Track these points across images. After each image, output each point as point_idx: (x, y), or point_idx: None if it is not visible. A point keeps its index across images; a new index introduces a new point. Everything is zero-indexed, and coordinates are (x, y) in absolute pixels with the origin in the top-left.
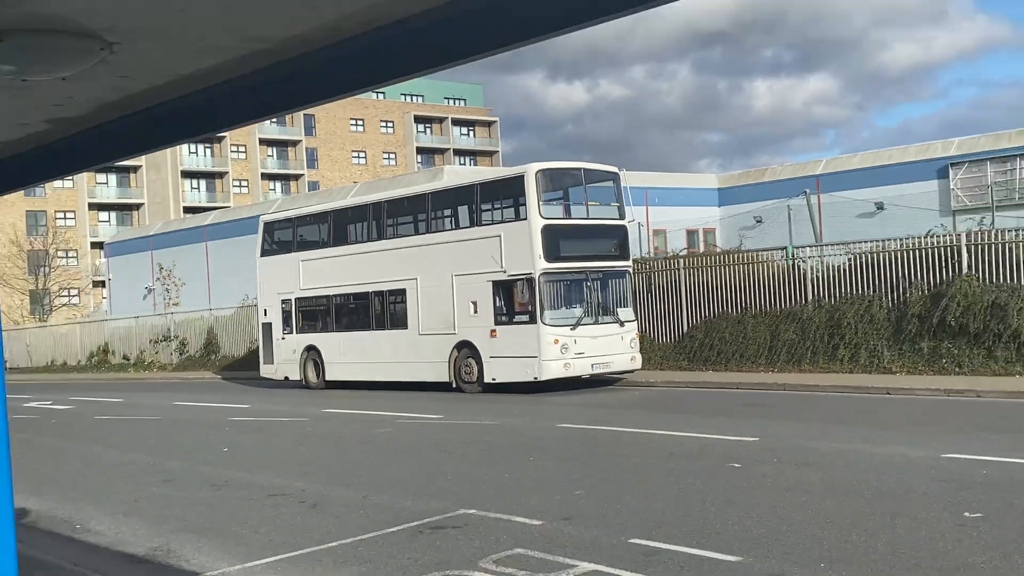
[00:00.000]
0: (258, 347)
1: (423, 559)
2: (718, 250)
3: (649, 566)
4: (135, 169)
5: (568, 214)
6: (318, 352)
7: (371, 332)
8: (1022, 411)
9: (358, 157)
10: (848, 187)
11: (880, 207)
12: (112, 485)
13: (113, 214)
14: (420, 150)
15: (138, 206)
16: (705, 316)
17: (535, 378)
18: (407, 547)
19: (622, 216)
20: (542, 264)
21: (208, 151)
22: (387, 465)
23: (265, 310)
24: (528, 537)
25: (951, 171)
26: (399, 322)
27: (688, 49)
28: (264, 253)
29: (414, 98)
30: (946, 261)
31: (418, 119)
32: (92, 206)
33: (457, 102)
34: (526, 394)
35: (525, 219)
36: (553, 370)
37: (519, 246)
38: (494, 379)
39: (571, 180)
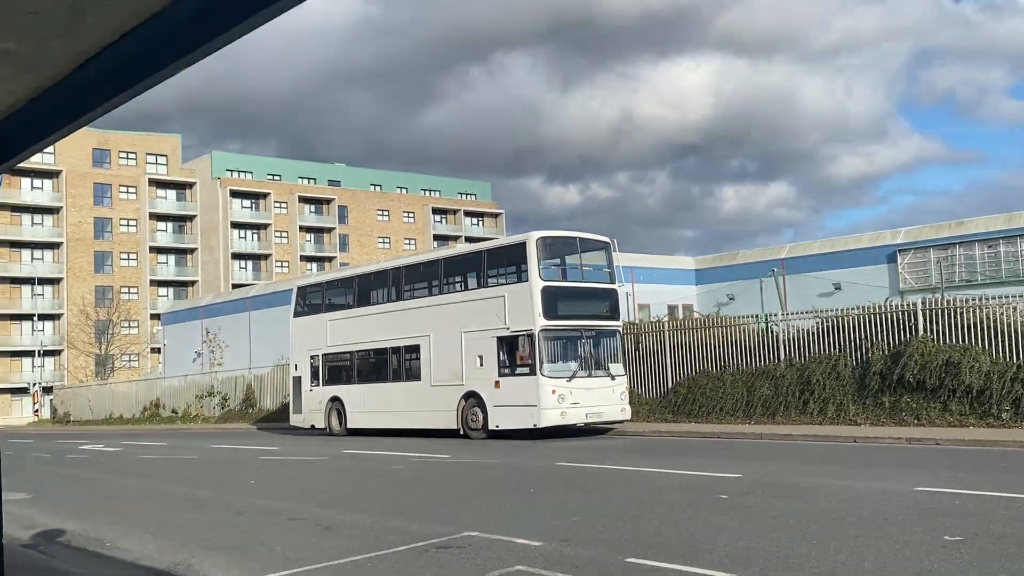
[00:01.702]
0: (289, 400)
1: (428, 574)
2: (698, 316)
3: None
4: (192, 251)
5: (565, 277)
6: (341, 402)
7: (388, 384)
8: (981, 456)
9: (383, 242)
10: (809, 269)
11: (837, 287)
12: (146, 510)
13: (171, 290)
14: (436, 237)
15: (193, 283)
16: (688, 374)
17: (535, 425)
18: (413, 564)
19: (613, 280)
20: (542, 322)
21: (255, 236)
22: (398, 495)
23: (296, 365)
24: (529, 556)
25: (899, 256)
26: (413, 375)
27: (666, 159)
28: (296, 314)
29: (432, 193)
30: (904, 325)
31: (435, 211)
32: (153, 282)
33: (469, 196)
34: (526, 440)
35: (527, 281)
36: (551, 418)
37: (521, 305)
38: (498, 426)
39: (568, 247)
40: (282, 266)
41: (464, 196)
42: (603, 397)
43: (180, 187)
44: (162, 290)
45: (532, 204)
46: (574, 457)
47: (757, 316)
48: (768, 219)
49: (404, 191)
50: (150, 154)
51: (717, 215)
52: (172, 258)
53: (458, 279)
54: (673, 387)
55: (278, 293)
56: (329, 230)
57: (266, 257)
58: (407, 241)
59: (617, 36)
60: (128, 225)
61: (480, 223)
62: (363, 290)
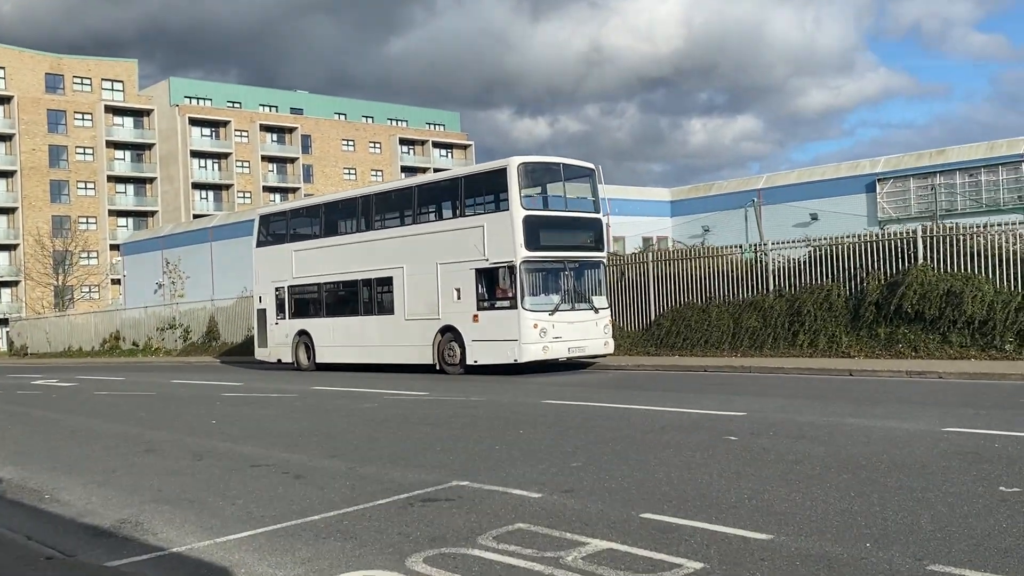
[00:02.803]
0: (254, 333)
1: (415, 534)
2: (682, 246)
3: (670, 544)
4: (151, 180)
5: (547, 206)
6: (309, 336)
7: (359, 318)
8: (992, 390)
9: (349, 173)
10: (786, 200)
11: (815, 217)
12: (93, 455)
13: (130, 220)
14: (404, 168)
15: (152, 213)
16: (672, 306)
17: (515, 360)
18: (396, 521)
19: (598, 210)
20: (523, 253)
21: (216, 166)
22: (374, 438)
23: (260, 298)
24: (529, 511)
25: (878, 185)
26: (386, 308)
27: (635, 91)
28: (260, 244)
29: (399, 123)
30: (902, 253)
31: (402, 141)
32: (112, 212)
33: (437, 127)
34: (506, 375)
35: (507, 210)
36: (532, 352)
37: (501, 236)
38: (476, 361)
39: (550, 174)
40: (244, 197)
41: (432, 127)
42: (586, 331)
43: (137, 114)
44: (121, 220)
45: (500, 137)
46: (562, 394)
47: (741, 246)
48: (735, 153)
49: (370, 120)
50: (105, 80)
51: (685, 148)
52: (131, 187)
53: (433, 208)
54: (656, 320)
55: (241, 223)
56: (292, 160)
57: (227, 187)
58: (373, 172)
59: None
60: (84, 153)
61: (449, 154)
62: (331, 219)
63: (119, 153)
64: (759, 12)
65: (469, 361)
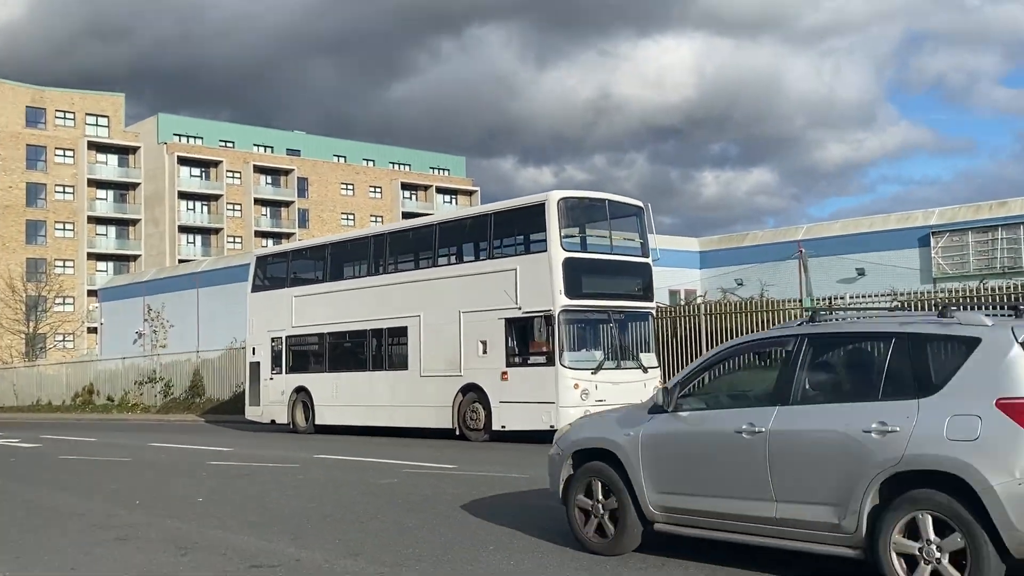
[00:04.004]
0: (244, 389)
1: None
2: (737, 298)
3: None
4: (134, 222)
5: (589, 248)
6: (308, 394)
7: (367, 373)
8: None
9: (347, 219)
10: (828, 253)
11: (861, 272)
12: (49, 543)
13: (111, 264)
14: (406, 215)
15: (135, 257)
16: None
17: (551, 426)
18: None
19: (646, 254)
20: (563, 300)
21: (205, 208)
22: (404, 527)
23: (253, 349)
24: None
25: (932, 239)
26: (398, 363)
27: (644, 141)
28: (255, 288)
29: (402, 167)
30: None
31: (405, 186)
32: (91, 255)
33: (441, 172)
34: (540, 444)
35: (545, 252)
36: (572, 417)
37: (537, 281)
38: (504, 426)
39: (594, 212)
40: (234, 241)
41: (436, 171)
42: (633, 394)
43: (123, 151)
44: (101, 264)
45: (504, 185)
46: None
47: (800, 300)
48: (749, 206)
49: (370, 164)
50: (90, 115)
51: (696, 201)
52: (112, 229)
53: (456, 249)
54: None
55: (231, 268)
56: (287, 204)
57: (217, 231)
58: (373, 218)
59: (597, 11)
60: (64, 192)
61: (454, 200)
62: (337, 261)
63: (101, 192)
64: (775, 61)
65: (495, 425)
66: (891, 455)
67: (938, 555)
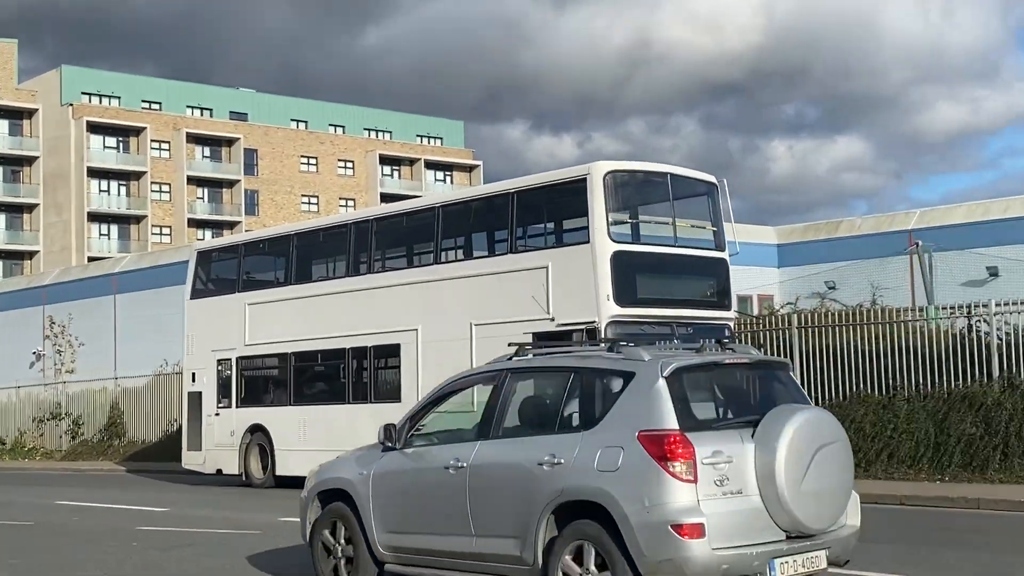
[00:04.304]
0: (180, 427)
1: None
2: (839, 306)
3: None
4: (30, 209)
5: (643, 238)
6: (266, 434)
7: (346, 406)
8: None
9: (309, 203)
10: (949, 246)
11: (994, 273)
12: None
13: None
14: (385, 197)
15: (31, 254)
16: (831, 396)
17: None
18: None
19: (721, 246)
20: (612, 309)
21: (123, 189)
22: None
23: (193, 375)
24: None
25: None
26: (389, 393)
27: (695, 102)
28: (196, 294)
29: (380, 134)
30: None
31: (384, 159)
32: None
33: (433, 141)
34: None
35: (586, 242)
36: None
37: (576, 282)
38: None
39: (652, 190)
40: (161, 233)
41: (425, 140)
42: None
43: (15, 115)
44: None
45: (510, 160)
46: None
47: (923, 309)
48: (833, 186)
49: (339, 131)
50: None
51: (763, 180)
52: (1, 217)
53: (467, 240)
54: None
55: (159, 268)
56: (230, 183)
57: (138, 220)
58: (343, 202)
59: None
60: None
61: (448, 178)
62: (306, 256)
63: None
64: None
65: None
66: (556, 487)
67: None
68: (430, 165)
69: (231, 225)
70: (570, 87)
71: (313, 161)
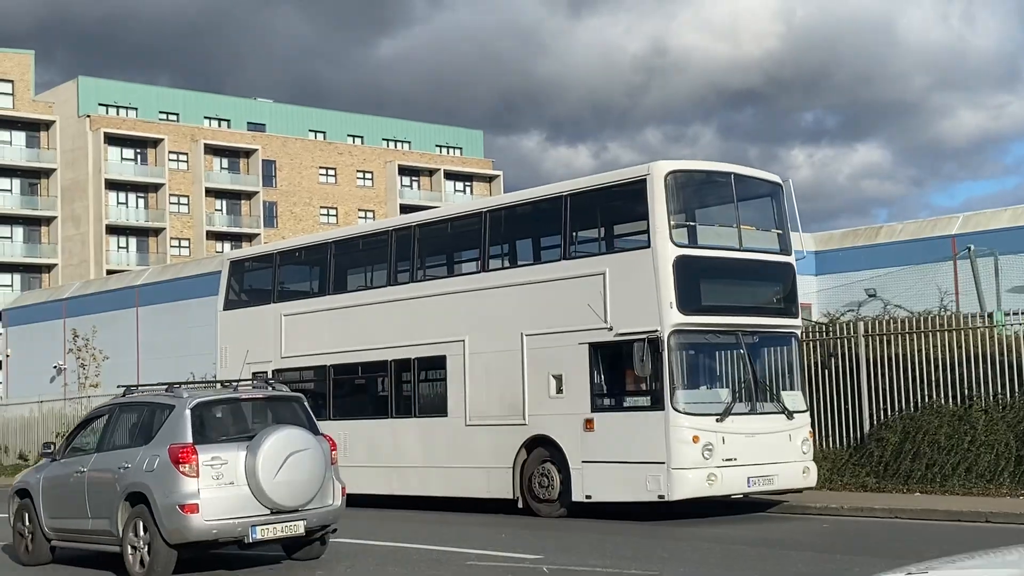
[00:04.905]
0: None
1: None
2: (907, 313)
3: None
4: (48, 221)
5: (711, 242)
6: None
7: (388, 421)
8: None
9: (327, 214)
10: (996, 251)
11: None
12: None
13: (17, 276)
14: (405, 208)
15: (49, 267)
16: (900, 408)
17: (660, 496)
18: None
19: (787, 250)
20: (675, 317)
21: (142, 201)
22: None
23: None
24: None
25: None
26: (434, 407)
27: (713, 110)
28: (229, 305)
29: (399, 144)
30: None
31: (403, 170)
32: None
33: (452, 151)
34: (640, 521)
35: (647, 246)
36: (691, 484)
37: (636, 289)
38: (589, 496)
39: (716, 190)
40: (180, 245)
41: (444, 150)
42: (775, 448)
43: (32, 127)
44: (3, 277)
45: (526, 170)
46: (782, 569)
47: (991, 315)
48: (853, 194)
49: (358, 141)
50: None
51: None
52: (20, 230)
53: (515, 247)
54: (875, 431)
55: (180, 281)
56: (249, 195)
57: (157, 232)
58: (362, 213)
59: None
60: None
61: (468, 188)
62: (344, 265)
63: (4, 182)
64: (886, 2)
65: (576, 495)
66: (125, 483)
67: (143, 546)
68: (450, 175)
69: (250, 237)
70: (586, 96)
71: (332, 172)
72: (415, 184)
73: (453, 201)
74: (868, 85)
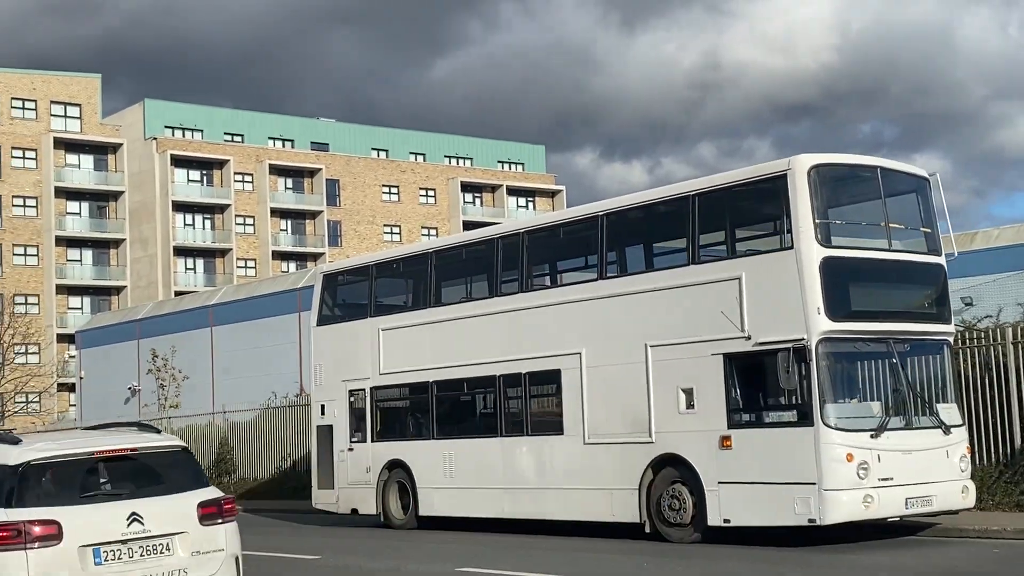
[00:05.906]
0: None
1: None
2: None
3: None
4: (117, 244)
5: (857, 241)
6: (407, 471)
7: (497, 439)
8: None
9: (391, 232)
10: None
11: None
12: None
13: (87, 299)
14: (468, 224)
15: (119, 289)
16: None
17: (811, 520)
18: None
19: (936, 250)
20: (823, 324)
21: (208, 222)
22: None
23: (323, 407)
24: None
25: None
26: (548, 424)
27: (769, 123)
28: (323, 321)
29: (461, 161)
30: None
31: (465, 187)
32: (61, 289)
33: (514, 167)
34: (785, 547)
35: (790, 248)
36: (845, 507)
37: (777, 294)
38: (727, 520)
39: (862, 186)
40: (246, 266)
41: (506, 166)
42: (933, 466)
43: (100, 150)
44: (73, 299)
45: (582, 187)
46: None
47: None
48: None
49: (420, 159)
50: (56, 103)
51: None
52: (89, 253)
53: (636, 251)
54: None
55: (255, 299)
56: (313, 214)
57: (223, 253)
58: (425, 231)
59: None
60: (25, 205)
61: (531, 204)
62: (446, 276)
63: (73, 205)
64: (944, 12)
65: (712, 519)
66: None
67: None
68: (512, 191)
69: (315, 257)
70: (640, 112)
71: (395, 190)
72: (478, 200)
73: (516, 217)
74: (925, 96)
